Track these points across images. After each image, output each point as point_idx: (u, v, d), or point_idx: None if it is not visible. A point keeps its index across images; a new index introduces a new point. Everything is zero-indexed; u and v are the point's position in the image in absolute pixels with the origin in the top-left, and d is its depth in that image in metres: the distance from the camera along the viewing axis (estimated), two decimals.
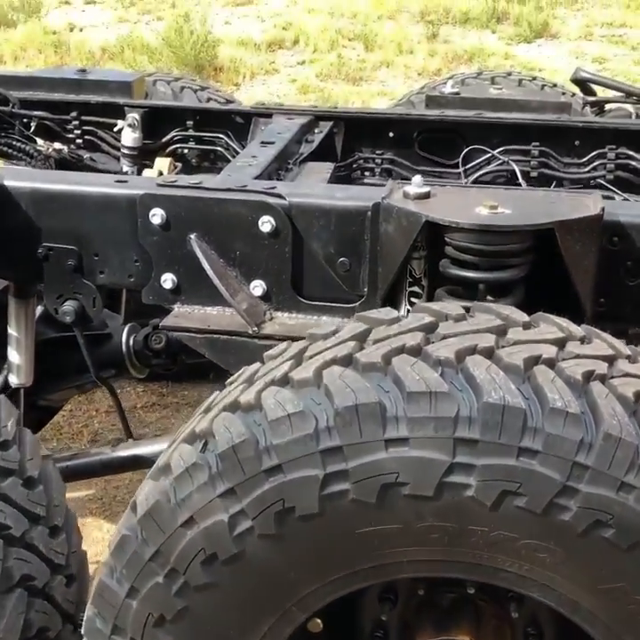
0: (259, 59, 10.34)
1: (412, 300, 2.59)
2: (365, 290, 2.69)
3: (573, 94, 4.39)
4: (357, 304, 2.72)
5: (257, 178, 2.90)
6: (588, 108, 4.00)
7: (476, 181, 3.65)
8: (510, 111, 3.73)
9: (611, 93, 4.00)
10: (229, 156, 3.71)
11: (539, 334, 1.87)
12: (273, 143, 3.29)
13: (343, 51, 10.64)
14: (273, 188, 2.70)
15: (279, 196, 2.66)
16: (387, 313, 2.03)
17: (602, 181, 3.62)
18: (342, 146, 3.77)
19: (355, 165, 3.76)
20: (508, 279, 2.42)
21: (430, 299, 2.57)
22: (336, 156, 3.76)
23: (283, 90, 9.68)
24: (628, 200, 3.57)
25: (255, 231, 2.67)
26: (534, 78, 4.45)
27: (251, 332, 2.66)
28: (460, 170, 3.67)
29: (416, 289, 2.58)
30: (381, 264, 2.55)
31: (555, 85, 4.43)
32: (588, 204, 2.48)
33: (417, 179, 2.53)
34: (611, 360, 1.87)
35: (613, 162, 3.60)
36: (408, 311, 2.59)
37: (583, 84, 3.92)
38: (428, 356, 1.82)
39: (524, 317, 1.94)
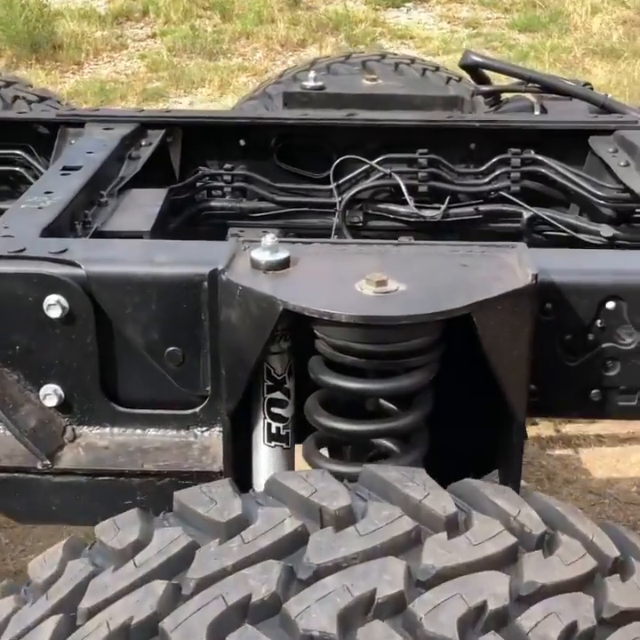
0: (104, 33, 9.32)
1: (274, 410, 1.81)
2: (208, 389, 1.92)
3: (460, 78, 3.67)
4: (199, 409, 1.94)
5: (47, 230, 2.06)
6: (480, 99, 3.28)
7: (352, 200, 2.89)
8: (389, 109, 2.98)
9: (506, 79, 3.29)
10: (31, 178, 2.85)
11: (472, 553, 1.11)
12: (78, 169, 2.45)
13: (198, 21, 9.71)
14: (63, 251, 1.88)
15: (72, 263, 1.85)
16: (221, 509, 1.23)
17: (505, 194, 2.91)
18: (180, 161, 2.95)
19: (198, 185, 2.95)
20: (407, 388, 1.68)
21: (299, 408, 1.81)
22: (173, 174, 2.95)
23: (131, 67, 8.72)
24: (538, 216, 2.88)
25: (40, 317, 1.85)
26: (413, 61, 3.71)
27: (40, 466, 1.85)
28: (332, 186, 2.91)
29: (278, 395, 1.80)
30: (226, 359, 1.78)
31: (437, 69, 3.70)
32: (513, 264, 1.74)
33: (268, 239, 1.74)
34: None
35: (518, 169, 2.89)
36: (268, 432, 1.82)
37: (474, 69, 3.20)
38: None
39: (448, 510, 1.18)
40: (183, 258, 1.89)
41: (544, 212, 2.90)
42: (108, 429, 1.95)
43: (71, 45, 8.79)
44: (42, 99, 3.69)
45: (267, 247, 1.73)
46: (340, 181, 2.92)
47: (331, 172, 2.90)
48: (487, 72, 3.21)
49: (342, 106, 2.97)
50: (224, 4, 9.95)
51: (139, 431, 1.95)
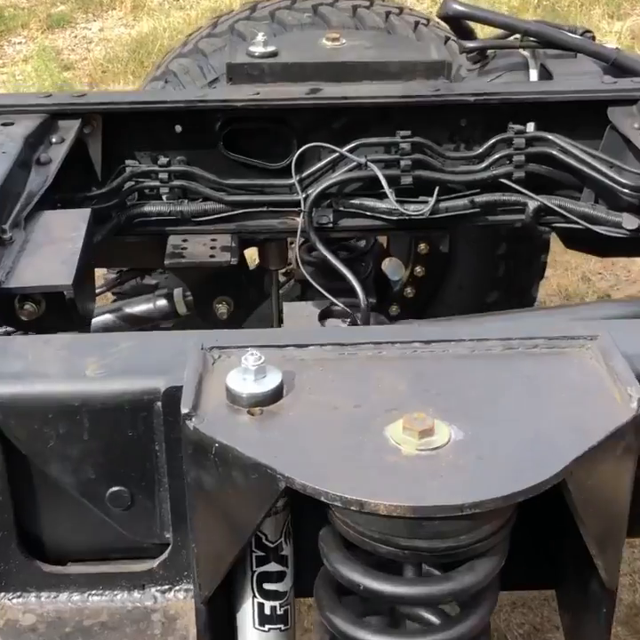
0: None
1: (267, 587, 1.29)
2: (169, 536, 1.39)
3: (448, 38, 3.06)
4: (157, 563, 1.41)
5: None
6: (463, 57, 2.71)
7: (320, 196, 2.33)
8: (360, 80, 2.40)
9: (492, 31, 2.72)
10: None
11: None
12: None
13: None
14: None
15: None
16: None
17: (507, 181, 2.37)
18: (102, 156, 2.35)
19: (126, 186, 2.35)
20: (468, 589, 1.16)
21: (297, 572, 1.29)
22: (94, 174, 2.35)
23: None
24: (546, 206, 2.36)
25: None
26: (372, 3, 3.09)
27: None
28: (294, 180, 2.34)
29: (272, 567, 1.28)
30: (200, 535, 1.24)
31: (401, 11, 3.09)
32: (598, 371, 1.22)
33: (251, 359, 1.19)
34: None
35: (522, 151, 2.35)
36: (260, 613, 1.30)
37: (456, 21, 2.61)
38: None
39: None
40: (126, 366, 1.34)
41: (552, 201, 2.38)
42: (34, 599, 1.42)
43: None
44: None
45: (249, 371, 1.18)
46: (304, 174, 2.36)
47: (292, 162, 2.33)
48: (472, 23, 2.63)
49: (302, 78, 2.39)
50: None
51: (77, 598, 1.42)
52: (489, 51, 2.72)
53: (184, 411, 1.16)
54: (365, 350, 1.26)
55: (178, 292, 2.68)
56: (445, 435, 1.10)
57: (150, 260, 2.53)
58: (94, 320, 2.74)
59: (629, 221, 2.35)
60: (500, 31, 2.70)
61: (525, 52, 2.66)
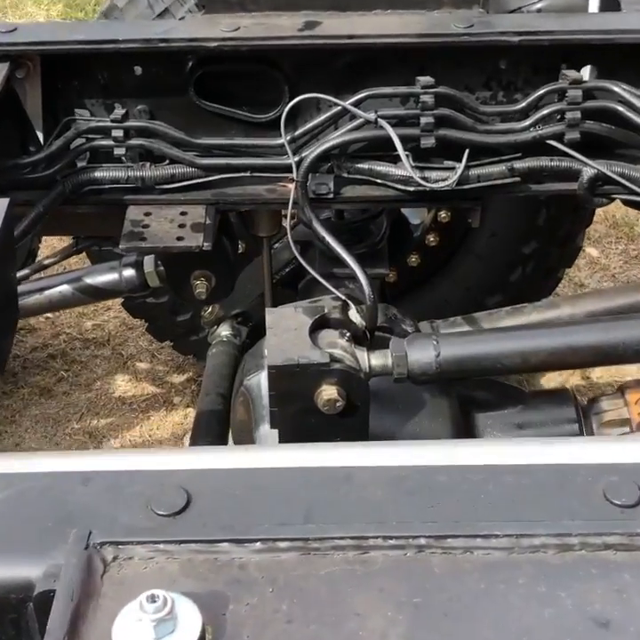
0: None
1: None
2: None
3: None
4: None
5: None
6: None
7: (318, 160, 1.83)
8: (369, 9, 1.86)
9: None
10: None
11: None
12: None
13: None
14: None
15: None
16: None
17: (557, 144, 1.86)
18: (43, 107, 1.85)
19: (73, 145, 1.86)
20: None
21: None
22: (31, 131, 1.85)
23: None
24: (606, 175, 1.85)
25: None
26: None
27: None
28: (284, 139, 1.83)
29: None
30: None
31: None
32: None
33: (147, 608, 0.74)
34: None
35: (578, 106, 1.83)
36: None
37: None
38: None
39: None
40: None
41: (613, 169, 1.87)
42: None
43: None
44: None
45: (147, 624, 0.73)
46: (297, 132, 1.86)
47: (282, 117, 1.83)
48: None
49: (295, 7, 1.85)
50: None
51: None
52: None
53: None
54: (343, 552, 0.80)
55: (149, 261, 2.21)
56: None
57: (110, 228, 2.05)
58: (49, 292, 2.29)
59: None
60: None
61: None
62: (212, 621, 0.74)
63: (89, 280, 2.26)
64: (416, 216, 2.90)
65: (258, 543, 0.80)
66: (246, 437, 1.89)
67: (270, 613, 0.76)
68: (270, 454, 0.94)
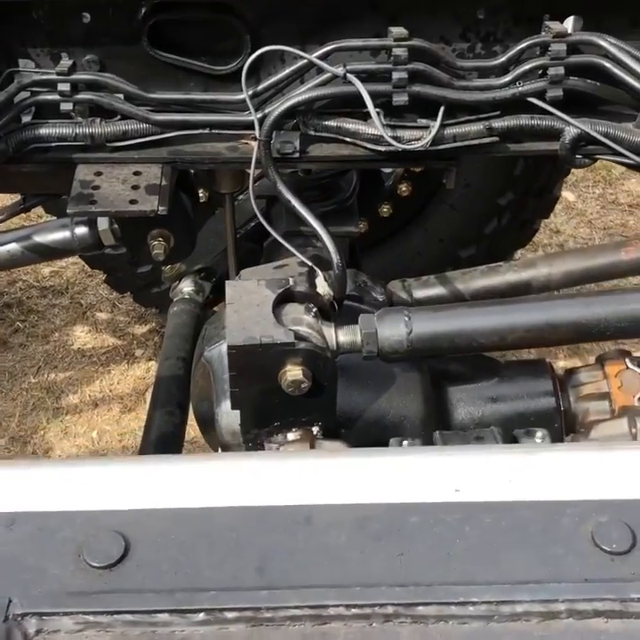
0: None
1: None
2: None
3: None
4: None
5: None
6: None
7: (282, 116, 1.70)
8: None
9: None
10: None
11: None
12: None
13: None
14: None
15: None
16: None
17: (538, 102, 1.73)
18: None
19: (17, 100, 1.71)
20: None
21: None
22: None
23: None
24: (589, 135, 1.73)
25: None
26: None
27: None
28: (245, 94, 1.69)
29: None
30: None
31: None
32: None
33: None
34: None
35: (562, 61, 1.70)
36: None
37: None
38: None
39: None
40: None
41: (597, 128, 1.75)
42: None
43: None
44: None
45: None
46: (260, 87, 1.72)
47: (243, 69, 1.68)
48: None
49: None
50: None
51: None
52: None
53: None
54: (300, 623, 0.70)
55: (103, 218, 2.07)
56: None
57: (60, 185, 1.91)
58: None
59: None
60: None
61: None
62: None
63: (39, 238, 2.12)
64: None
65: (202, 614, 0.69)
66: (207, 410, 1.80)
67: None
68: (222, 488, 0.83)
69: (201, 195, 2.24)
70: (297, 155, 1.78)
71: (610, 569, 0.74)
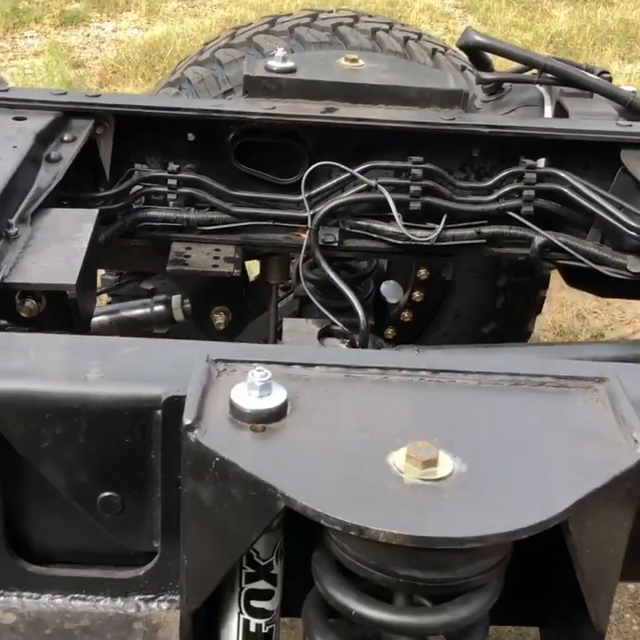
0: None
1: (254, 604, 1.28)
2: (157, 545, 1.37)
3: (445, 48, 3.10)
4: (143, 571, 1.40)
5: None
6: (479, 88, 2.71)
7: (327, 214, 2.33)
8: (376, 103, 2.40)
9: (510, 63, 2.72)
10: None
11: None
12: None
13: None
14: None
15: None
16: None
17: (515, 215, 2.38)
18: (112, 158, 2.34)
19: (134, 189, 2.34)
20: (463, 621, 1.16)
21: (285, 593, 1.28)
22: (102, 175, 2.33)
23: None
24: (553, 243, 2.36)
25: None
26: (391, 26, 3.10)
27: None
28: (302, 197, 2.33)
29: (261, 585, 1.27)
30: (192, 548, 1.23)
31: (420, 36, 3.10)
32: (605, 415, 1.22)
33: (257, 375, 1.19)
34: None
35: (533, 186, 2.35)
36: (245, 631, 1.29)
37: (475, 51, 2.62)
38: None
39: None
40: (128, 372, 1.33)
41: (559, 238, 2.38)
42: (15, 598, 1.40)
43: None
44: None
45: (254, 386, 1.17)
46: (313, 191, 2.36)
47: (302, 179, 2.33)
48: (490, 55, 2.64)
49: (318, 96, 2.38)
50: None
51: (59, 600, 1.41)
52: (505, 84, 2.72)
53: (186, 422, 1.15)
54: (372, 374, 1.25)
55: (176, 298, 2.67)
56: (449, 466, 1.09)
57: (152, 264, 2.51)
58: (92, 320, 2.72)
59: (634, 264, 2.36)
60: (516, 65, 2.71)
61: (541, 88, 2.67)
62: (292, 397, 1.18)
63: (125, 313, 2.70)
64: (393, 296, 3.39)
65: (317, 367, 1.24)
66: None
67: (326, 400, 1.19)
68: None
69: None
70: (336, 244, 2.40)
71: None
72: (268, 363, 1.23)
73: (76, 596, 1.41)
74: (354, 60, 2.52)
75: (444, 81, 2.47)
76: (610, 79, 2.70)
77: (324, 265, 2.34)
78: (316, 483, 1.07)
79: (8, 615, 1.39)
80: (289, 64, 2.44)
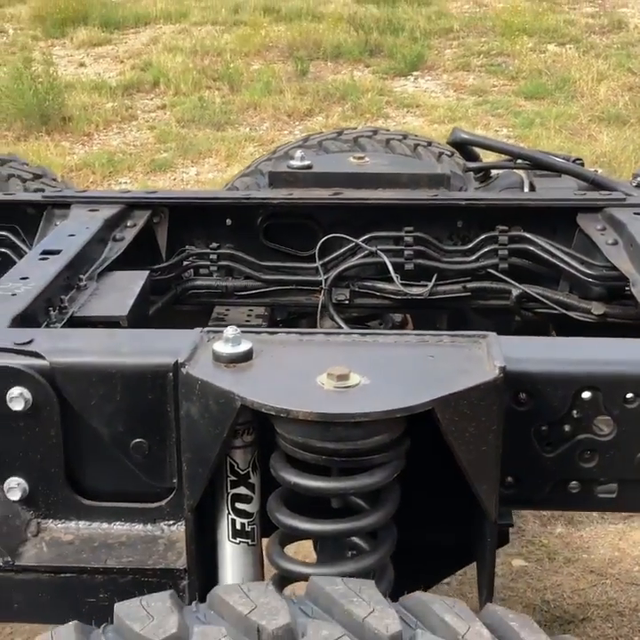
0: (114, 104, 9.44)
1: (238, 506, 1.77)
2: (175, 481, 1.87)
3: (452, 153, 3.67)
4: (165, 502, 1.90)
5: (19, 318, 2.04)
6: (470, 175, 3.27)
7: (338, 278, 2.87)
8: (375, 188, 2.97)
9: (495, 156, 3.28)
10: (17, 259, 2.84)
11: None
12: (58, 253, 2.44)
13: (207, 92, 9.83)
14: (28, 342, 1.85)
15: (36, 354, 1.82)
16: (157, 626, 1.18)
17: (493, 271, 2.88)
18: (167, 240, 2.94)
19: (184, 264, 2.93)
20: (369, 487, 1.63)
21: (263, 503, 1.76)
22: (158, 254, 2.93)
23: (140, 138, 8.81)
24: (528, 294, 2.84)
25: (3, 410, 1.82)
26: (405, 137, 3.71)
27: (1, 563, 1.81)
28: (317, 264, 2.89)
29: (242, 490, 1.76)
30: (186, 454, 1.73)
31: (429, 144, 3.69)
32: (481, 355, 1.71)
33: (230, 331, 1.72)
34: None
35: (506, 247, 2.86)
36: (233, 528, 1.77)
37: (462, 146, 3.19)
38: None
39: (391, 629, 1.13)
40: (148, 348, 1.87)
41: (533, 289, 2.87)
42: (73, 523, 1.91)
43: (81, 117, 8.90)
44: (37, 176, 3.70)
45: (228, 339, 1.70)
46: (326, 259, 2.91)
47: (316, 250, 2.89)
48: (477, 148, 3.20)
49: (329, 185, 2.96)
50: (233, 75, 10.07)
51: (104, 525, 1.91)
52: (493, 173, 3.27)
53: (180, 360, 1.68)
54: (318, 336, 1.76)
55: None
56: (356, 380, 1.58)
57: (199, 325, 3.07)
58: None
59: (597, 308, 2.82)
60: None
61: (522, 174, 3.21)
62: (257, 350, 1.70)
63: None
64: None
65: (279, 334, 1.77)
66: None
67: (282, 351, 1.71)
68: None
69: None
70: (347, 302, 2.92)
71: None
72: (245, 331, 1.75)
73: (117, 523, 1.91)
74: (360, 158, 3.11)
75: (433, 167, 3.03)
76: (582, 164, 3.22)
77: (337, 319, 2.87)
78: (262, 390, 1.58)
79: (68, 536, 1.90)
80: (306, 162, 3.04)
